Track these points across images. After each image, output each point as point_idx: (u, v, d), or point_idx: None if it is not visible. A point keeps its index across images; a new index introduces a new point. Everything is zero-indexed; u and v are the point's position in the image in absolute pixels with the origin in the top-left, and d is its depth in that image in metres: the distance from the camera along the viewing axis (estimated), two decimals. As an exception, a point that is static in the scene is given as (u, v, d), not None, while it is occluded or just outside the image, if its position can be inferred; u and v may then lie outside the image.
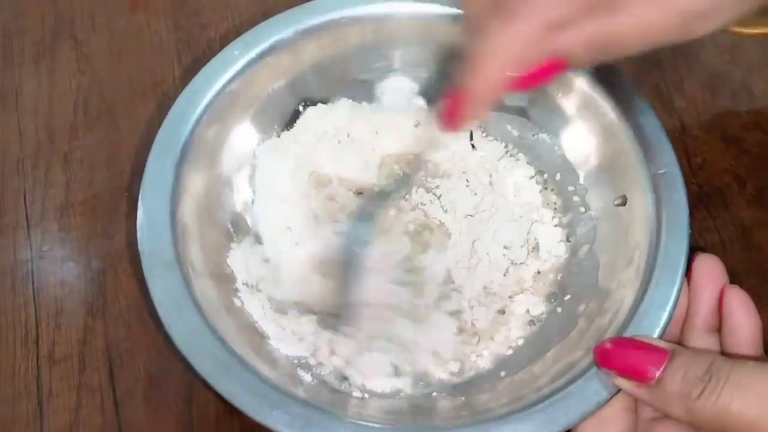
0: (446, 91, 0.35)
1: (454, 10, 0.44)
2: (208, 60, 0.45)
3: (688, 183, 0.39)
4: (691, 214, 0.38)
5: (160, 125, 0.41)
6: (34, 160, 0.47)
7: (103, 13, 0.53)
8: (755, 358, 0.34)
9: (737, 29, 0.47)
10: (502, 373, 0.40)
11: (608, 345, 0.34)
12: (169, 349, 0.41)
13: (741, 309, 0.35)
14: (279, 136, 0.46)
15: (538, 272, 0.43)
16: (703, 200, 0.46)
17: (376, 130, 0.47)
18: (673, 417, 0.32)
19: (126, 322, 0.42)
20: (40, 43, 0.52)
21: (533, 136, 0.46)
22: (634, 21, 0.32)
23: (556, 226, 0.44)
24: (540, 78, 0.34)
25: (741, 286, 0.36)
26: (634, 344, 0.34)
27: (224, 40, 0.51)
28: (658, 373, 0.31)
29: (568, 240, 0.43)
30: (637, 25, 0.32)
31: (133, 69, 0.50)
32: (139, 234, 0.38)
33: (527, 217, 0.44)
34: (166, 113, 0.42)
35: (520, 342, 0.41)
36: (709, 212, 0.46)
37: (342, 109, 0.47)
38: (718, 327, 0.36)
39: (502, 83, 0.33)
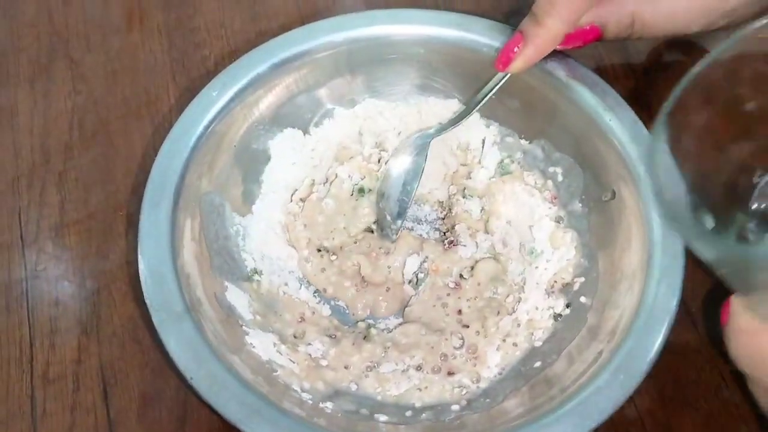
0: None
1: (430, 31, 0.46)
2: (203, 79, 0.45)
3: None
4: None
5: (155, 145, 0.41)
6: (29, 180, 0.48)
7: (98, 33, 0.53)
8: None
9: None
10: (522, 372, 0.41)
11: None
12: (162, 367, 0.41)
13: None
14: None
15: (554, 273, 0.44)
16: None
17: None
18: None
19: (120, 341, 0.42)
20: (35, 62, 0.52)
21: (514, 139, 0.48)
22: (664, 8, 0.41)
23: (558, 226, 0.45)
24: (580, 39, 0.43)
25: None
26: None
27: (219, 60, 0.51)
28: None
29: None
30: (666, 11, 0.41)
31: (128, 88, 0.51)
32: (144, 289, 0.38)
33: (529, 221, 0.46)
34: (161, 133, 0.42)
35: (538, 344, 0.42)
36: (700, 228, 0.46)
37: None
38: None
39: (560, 37, 0.41)
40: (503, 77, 0.44)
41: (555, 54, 0.43)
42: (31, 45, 0.53)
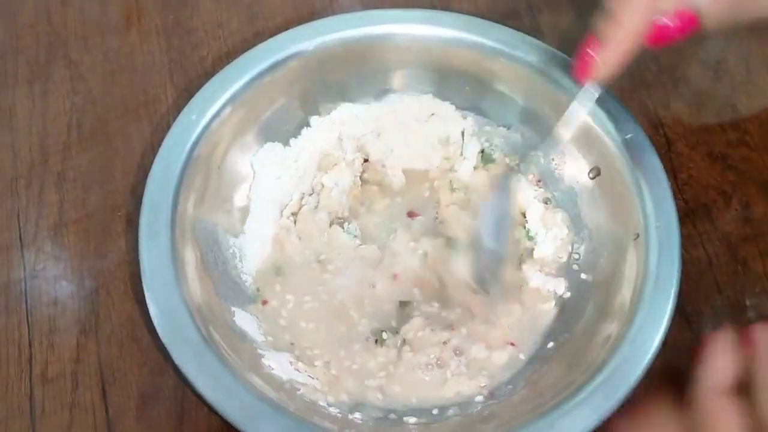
0: (584, 41, 0.37)
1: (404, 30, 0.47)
2: (200, 80, 0.45)
3: (674, 199, 0.40)
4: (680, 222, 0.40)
5: (153, 145, 0.41)
6: (28, 180, 0.48)
7: (96, 33, 0.53)
8: None
9: None
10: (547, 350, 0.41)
11: None
12: (160, 366, 0.41)
13: None
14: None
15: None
16: (689, 216, 0.46)
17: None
18: None
19: (118, 340, 0.43)
20: (34, 63, 0.52)
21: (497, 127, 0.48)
22: None
23: (547, 208, 0.46)
24: (673, 32, 0.35)
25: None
26: None
27: (216, 60, 0.52)
28: None
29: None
30: None
31: (126, 89, 0.51)
32: (158, 329, 0.38)
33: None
34: (159, 133, 0.42)
35: (547, 325, 0.42)
36: (695, 227, 0.46)
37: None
38: None
39: (640, 33, 0.35)
40: (589, 96, 0.38)
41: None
42: (30, 45, 0.53)
